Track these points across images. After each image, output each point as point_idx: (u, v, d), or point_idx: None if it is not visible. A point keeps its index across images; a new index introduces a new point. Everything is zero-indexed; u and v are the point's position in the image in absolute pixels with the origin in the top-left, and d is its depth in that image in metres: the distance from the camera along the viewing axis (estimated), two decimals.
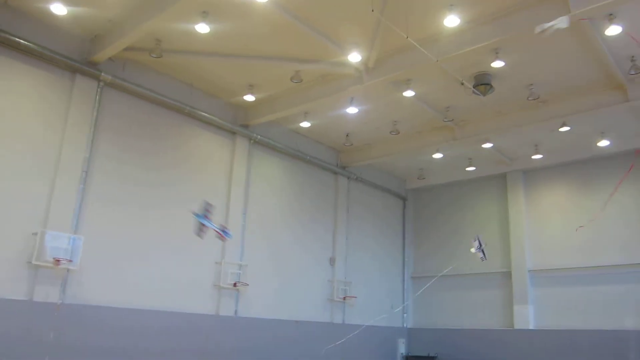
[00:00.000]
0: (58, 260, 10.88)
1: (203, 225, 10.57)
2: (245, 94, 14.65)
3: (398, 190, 22.36)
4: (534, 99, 14.38)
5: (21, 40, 11.05)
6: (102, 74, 12.32)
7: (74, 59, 11.94)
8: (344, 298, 18.32)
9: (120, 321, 12.00)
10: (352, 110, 15.01)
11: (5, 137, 10.92)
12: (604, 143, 17.09)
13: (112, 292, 12.06)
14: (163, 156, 13.74)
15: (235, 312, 14.75)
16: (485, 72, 13.39)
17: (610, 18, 10.85)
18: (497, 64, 12.53)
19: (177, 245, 13.57)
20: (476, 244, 14.44)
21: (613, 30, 11.06)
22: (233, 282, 14.60)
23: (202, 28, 11.12)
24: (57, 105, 11.79)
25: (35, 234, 10.88)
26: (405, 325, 21.50)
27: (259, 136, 16.05)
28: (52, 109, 11.72)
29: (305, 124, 16.25)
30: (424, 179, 21.74)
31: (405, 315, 21.61)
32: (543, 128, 16.23)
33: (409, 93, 13.87)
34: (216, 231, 10.94)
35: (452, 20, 10.98)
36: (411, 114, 15.99)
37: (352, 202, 19.75)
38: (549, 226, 19.19)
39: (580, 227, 16.13)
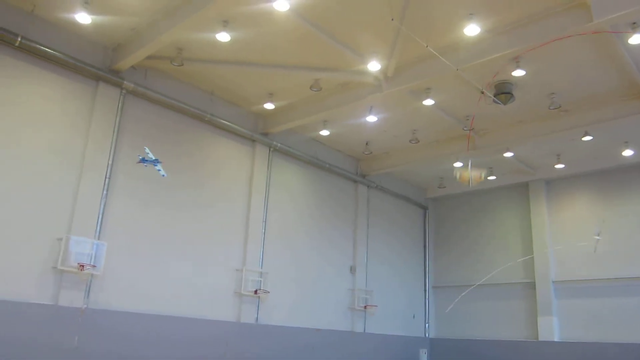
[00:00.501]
0: (82, 266, 11.12)
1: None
2: (265, 102, 14.80)
3: (418, 199, 22.28)
4: (556, 108, 14.24)
5: (47, 49, 11.35)
6: (125, 82, 12.59)
7: (97, 67, 12.24)
8: (365, 307, 18.27)
9: (143, 327, 12.16)
10: (371, 118, 15.05)
11: (31, 143, 11.20)
12: (628, 152, 16.83)
13: (134, 298, 12.25)
14: (184, 163, 13.94)
15: (257, 319, 14.83)
16: (506, 80, 13.32)
17: (634, 27, 10.73)
18: (518, 72, 12.46)
19: (198, 252, 13.77)
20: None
21: (637, 39, 10.93)
22: (254, 290, 14.69)
23: (223, 37, 11.31)
24: (81, 112, 12.07)
25: (60, 239, 11.12)
26: (427, 335, 21.33)
27: (278, 144, 16.18)
28: (76, 116, 12.01)
29: (324, 132, 16.33)
30: (444, 187, 21.62)
31: (427, 325, 21.44)
32: (565, 137, 16.05)
33: (428, 102, 13.86)
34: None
35: (472, 29, 10.99)
36: (431, 122, 15.96)
37: (372, 210, 19.73)
38: (572, 236, 18.88)
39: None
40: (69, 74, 11.92)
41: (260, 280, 14.96)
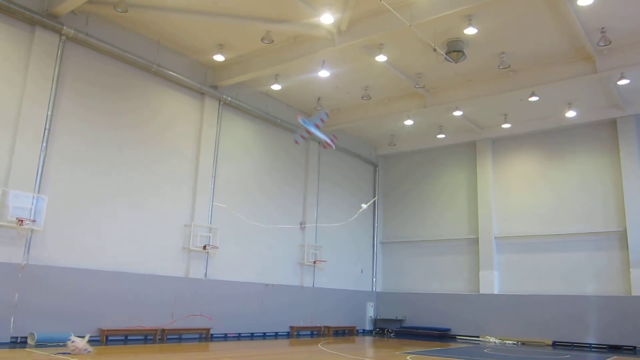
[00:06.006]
0: (21, 221, 10.66)
1: (308, 131, 10.67)
2: (215, 54, 14.34)
3: (369, 157, 22.45)
4: (505, 68, 14.45)
5: None
6: (64, 27, 11.80)
7: (33, 10, 11.38)
8: (314, 262, 18.50)
9: (87, 283, 11.87)
10: (323, 73, 14.84)
11: None
12: (571, 114, 17.37)
13: (78, 254, 11.89)
14: (129, 115, 13.42)
15: (205, 274, 14.77)
16: (458, 38, 13.35)
17: None
18: (470, 30, 12.51)
19: (145, 207, 13.46)
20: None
21: (585, 0, 11.12)
22: (203, 245, 14.57)
23: None
24: (15, 60, 11.30)
25: None
26: (374, 289, 21.90)
27: (229, 98, 15.80)
28: (11, 64, 11.24)
29: (276, 87, 16.04)
30: (394, 145, 21.86)
31: (374, 279, 21.98)
32: (512, 97, 16.41)
33: (381, 58, 13.77)
34: (324, 140, 11.09)
35: None
36: (383, 79, 15.93)
37: (323, 167, 19.77)
38: (515, 194, 19.61)
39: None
40: (1, 17, 11.06)
41: (209, 236, 14.84)
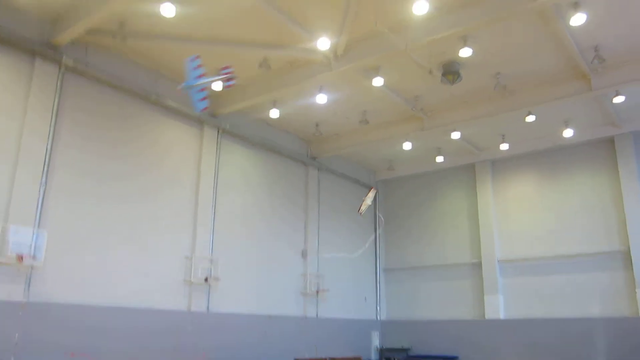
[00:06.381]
0: (21, 257, 10.46)
1: (201, 86, 9.43)
2: None
3: (368, 181, 22.33)
4: (501, 89, 14.54)
5: None
6: (64, 57, 11.82)
7: (33, 40, 11.42)
8: (317, 291, 18.21)
9: (88, 319, 11.58)
10: (321, 98, 14.86)
11: None
12: (568, 133, 17.39)
13: (78, 289, 11.62)
14: (128, 146, 13.33)
15: (207, 307, 14.48)
16: (453, 60, 13.46)
17: (575, 6, 11.06)
18: (465, 51, 12.60)
19: (145, 240, 13.24)
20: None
21: (578, 19, 11.27)
22: (204, 277, 14.32)
23: (168, 10, 10.78)
24: (15, 91, 11.24)
25: None
26: (378, 318, 21.53)
27: (227, 125, 15.77)
28: (11, 95, 11.18)
29: (274, 113, 16.01)
30: (393, 169, 21.77)
31: (378, 307, 21.64)
32: (510, 118, 16.40)
33: (378, 81, 13.82)
34: (219, 81, 9.87)
35: (421, 7, 10.94)
36: (381, 103, 15.98)
37: (323, 193, 19.63)
38: (516, 216, 19.48)
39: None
40: (1, 48, 11.08)
41: (211, 268, 14.60)
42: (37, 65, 11.55)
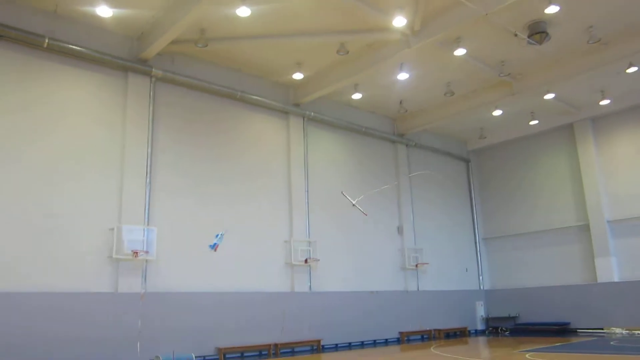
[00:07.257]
0: (136, 252, 11.53)
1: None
2: (294, 73, 14.71)
3: (460, 153, 21.91)
4: (595, 42, 13.60)
5: (73, 47, 11.56)
6: (153, 69, 12.72)
7: (124, 58, 12.40)
8: (417, 265, 18.29)
9: (201, 305, 12.57)
10: (402, 76, 14.76)
11: (72, 142, 11.52)
12: None
13: (190, 278, 12.64)
14: (220, 142, 14.10)
15: (310, 287, 15.09)
16: (539, 19, 12.78)
17: None
18: (552, 9, 11.92)
19: (245, 228, 14.04)
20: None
21: None
22: (304, 259, 14.91)
23: (243, 11, 11.23)
24: (114, 105, 12.30)
25: (112, 229, 11.52)
26: (482, 288, 21.23)
27: (312, 113, 16.12)
28: (111, 109, 12.24)
29: (356, 96, 16.16)
30: (485, 138, 21.17)
31: (481, 277, 21.32)
32: (608, 72, 15.41)
33: (460, 51, 13.47)
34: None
35: None
36: (464, 73, 15.55)
37: (413, 169, 19.53)
38: (625, 174, 18.24)
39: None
40: (98, 68, 12.13)
41: (309, 250, 15.14)
42: (130, 80, 12.54)
